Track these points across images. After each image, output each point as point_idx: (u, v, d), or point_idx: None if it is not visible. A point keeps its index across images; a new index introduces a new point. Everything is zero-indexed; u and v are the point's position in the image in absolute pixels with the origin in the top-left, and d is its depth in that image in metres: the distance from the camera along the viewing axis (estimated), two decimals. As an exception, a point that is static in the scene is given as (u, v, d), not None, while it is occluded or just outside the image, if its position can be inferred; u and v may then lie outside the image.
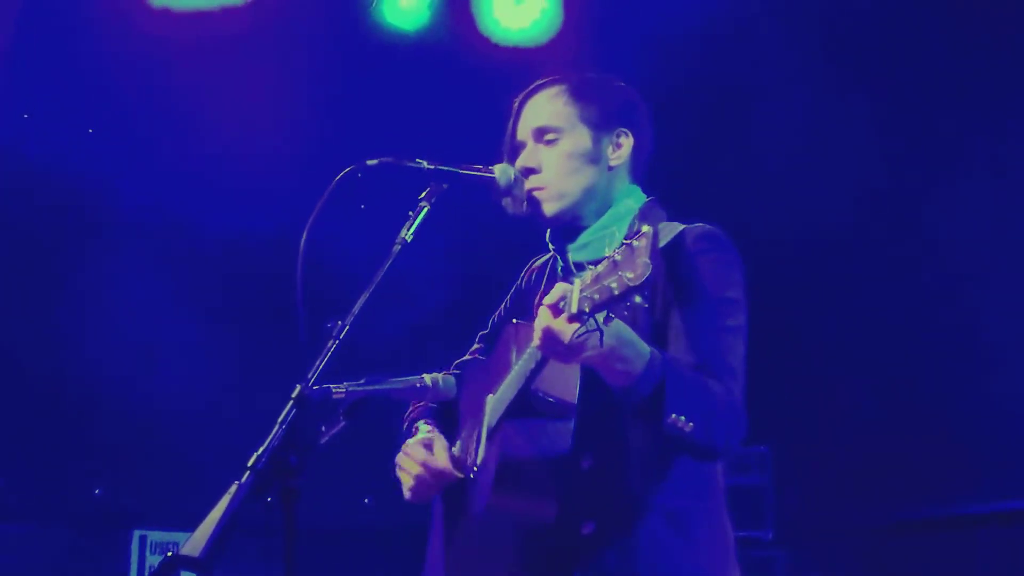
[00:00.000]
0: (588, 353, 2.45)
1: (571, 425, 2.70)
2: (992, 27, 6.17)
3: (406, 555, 3.26)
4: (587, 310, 2.32)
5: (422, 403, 3.16)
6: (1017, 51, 6.13)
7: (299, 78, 6.53)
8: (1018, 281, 6.16)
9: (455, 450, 3.05)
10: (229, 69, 6.30)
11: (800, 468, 6.76)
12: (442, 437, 3.04)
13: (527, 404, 2.72)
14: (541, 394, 2.70)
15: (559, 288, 2.43)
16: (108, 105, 6.27)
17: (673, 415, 2.54)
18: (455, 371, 3.24)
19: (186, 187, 6.28)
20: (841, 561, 6.68)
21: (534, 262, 3.26)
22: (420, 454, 2.99)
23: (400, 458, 3.03)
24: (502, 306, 3.31)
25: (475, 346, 3.33)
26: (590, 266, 2.35)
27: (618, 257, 2.29)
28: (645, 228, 2.28)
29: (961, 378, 6.31)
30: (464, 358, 3.31)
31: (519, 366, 2.73)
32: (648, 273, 2.23)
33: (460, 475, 2.96)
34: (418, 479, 2.98)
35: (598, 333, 2.36)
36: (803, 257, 6.68)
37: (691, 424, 2.56)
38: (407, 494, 3.03)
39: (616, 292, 2.27)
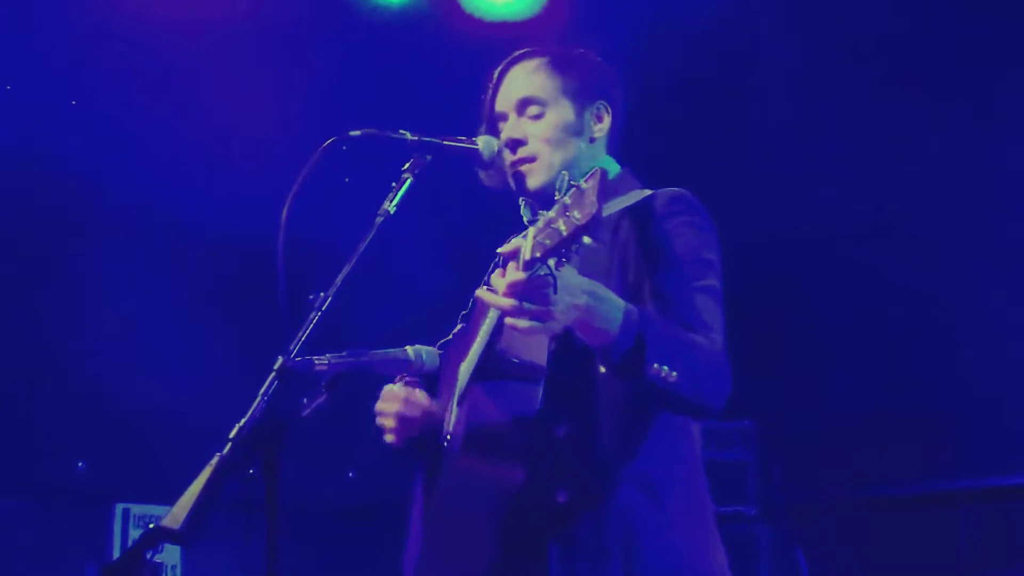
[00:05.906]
0: (557, 310, 2.36)
1: (539, 389, 2.65)
2: (991, 25, 6.17)
3: (390, 529, 3.24)
4: (539, 255, 2.28)
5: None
6: (1014, 50, 6.13)
7: (283, 53, 6.47)
8: (1001, 264, 6.19)
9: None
10: (209, 46, 6.24)
11: (784, 443, 6.78)
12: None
13: (493, 365, 2.69)
14: (504, 354, 2.66)
15: (513, 241, 2.41)
16: (86, 85, 6.21)
17: (655, 365, 2.46)
18: (439, 350, 3.25)
19: (164, 167, 6.23)
20: (825, 536, 6.70)
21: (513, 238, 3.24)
22: (400, 392, 2.97)
23: (379, 404, 3.01)
24: (481, 284, 3.30)
25: (458, 326, 3.33)
26: (542, 212, 2.32)
27: (567, 200, 2.26)
28: (591, 169, 2.26)
29: (944, 356, 6.34)
30: (447, 338, 3.31)
31: (484, 327, 2.73)
32: (595, 211, 2.18)
33: (438, 409, 2.94)
34: (400, 417, 2.96)
35: (551, 279, 2.30)
36: (790, 237, 6.68)
37: (675, 374, 2.48)
38: (390, 437, 3.00)
39: (564, 233, 2.23)
